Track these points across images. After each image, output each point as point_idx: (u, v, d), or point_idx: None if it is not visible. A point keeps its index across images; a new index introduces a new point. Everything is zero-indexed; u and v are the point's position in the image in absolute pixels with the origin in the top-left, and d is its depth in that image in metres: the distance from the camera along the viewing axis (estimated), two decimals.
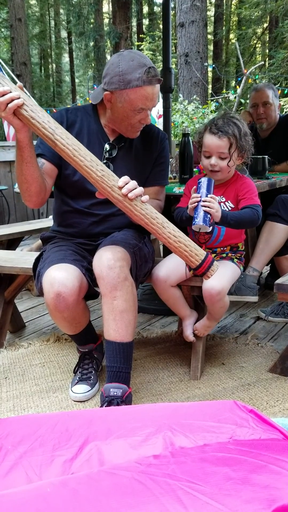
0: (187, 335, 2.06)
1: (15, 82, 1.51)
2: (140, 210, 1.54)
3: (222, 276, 1.84)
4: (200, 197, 1.78)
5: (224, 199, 1.98)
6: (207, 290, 1.85)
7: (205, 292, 1.87)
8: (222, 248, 2.06)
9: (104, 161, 1.88)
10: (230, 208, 1.97)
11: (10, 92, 1.44)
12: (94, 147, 1.83)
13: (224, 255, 2.05)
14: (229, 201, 1.98)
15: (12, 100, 1.44)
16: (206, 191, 1.79)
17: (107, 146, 1.90)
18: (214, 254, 2.05)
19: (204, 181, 1.83)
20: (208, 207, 1.75)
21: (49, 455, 1.10)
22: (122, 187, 1.51)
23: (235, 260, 2.05)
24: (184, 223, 1.93)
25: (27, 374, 2.11)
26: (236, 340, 2.41)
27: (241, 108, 6.85)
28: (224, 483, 0.87)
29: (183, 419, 1.17)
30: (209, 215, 1.75)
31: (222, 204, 1.96)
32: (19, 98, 1.45)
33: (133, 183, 1.53)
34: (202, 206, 1.75)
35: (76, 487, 0.91)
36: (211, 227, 1.79)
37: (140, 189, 1.54)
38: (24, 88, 1.52)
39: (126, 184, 1.52)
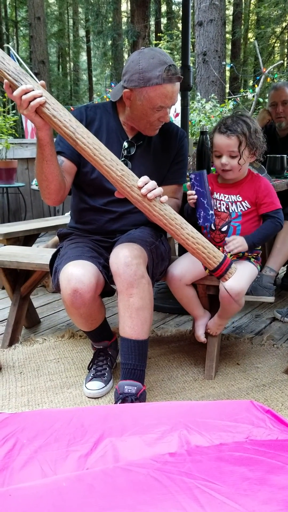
0: (198, 335, 2.05)
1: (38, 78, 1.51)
2: (158, 210, 1.54)
3: (240, 276, 1.82)
4: (195, 194, 1.85)
5: (240, 199, 1.96)
6: (226, 291, 1.84)
7: (223, 293, 1.85)
8: None
9: (123, 159, 1.88)
10: (246, 209, 1.95)
11: (33, 90, 1.44)
12: (112, 145, 1.83)
13: (240, 254, 2.04)
14: (245, 201, 1.95)
15: (35, 98, 1.44)
16: (200, 188, 1.85)
17: (125, 144, 1.89)
18: (230, 254, 2.03)
19: (193, 177, 1.86)
20: (236, 249, 1.88)
21: (64, 450, 1.10)
22: (141, 187, 1.51)
23: (252, 259, 2.04)
24: (191, 217, 1.94)
25: (41, 369, 2.12)
26: (252, 341, 2.39)
27: (260, 107, 6.79)
28: (241, 483, 0.87)
29: (199, 418, 1.17)
30: (211, 212, 1.85)
31: (238, 203, 1.95)
32: (41, 96, 1.45)
33: (153, 183, 1.52)
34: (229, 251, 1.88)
35: (92, 482, 0.92)
36: (225, 226, 1.79)
37: (159, 190, 1.53)
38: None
39: (146, 184, 1.51)
